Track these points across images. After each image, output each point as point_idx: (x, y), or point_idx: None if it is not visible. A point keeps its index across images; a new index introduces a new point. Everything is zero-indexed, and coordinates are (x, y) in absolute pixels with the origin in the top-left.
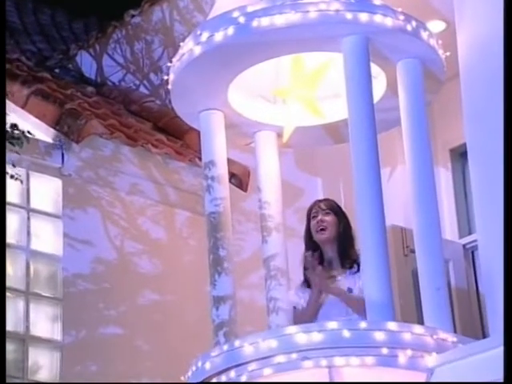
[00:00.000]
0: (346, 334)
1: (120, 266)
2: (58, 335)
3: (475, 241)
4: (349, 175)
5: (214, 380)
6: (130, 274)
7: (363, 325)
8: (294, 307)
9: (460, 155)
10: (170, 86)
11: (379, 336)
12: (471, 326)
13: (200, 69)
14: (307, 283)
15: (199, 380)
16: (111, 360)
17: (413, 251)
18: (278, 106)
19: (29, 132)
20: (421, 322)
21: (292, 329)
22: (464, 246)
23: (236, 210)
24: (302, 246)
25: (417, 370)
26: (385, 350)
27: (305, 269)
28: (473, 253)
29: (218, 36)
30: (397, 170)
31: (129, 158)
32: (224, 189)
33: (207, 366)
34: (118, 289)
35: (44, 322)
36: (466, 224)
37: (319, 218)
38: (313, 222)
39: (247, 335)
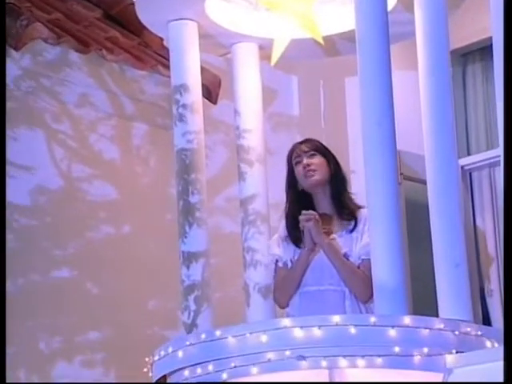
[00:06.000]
0: (352, 330)
1: (67, 194)
2: None
3: (474, 163)
4: (330, 72)
5: (187, 372)
6: (78, 203)
7: (373, 319)
8: (277, 261)
9: (461, 57)
10: None
11: (392, 333)
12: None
13: None
14: (292, 238)
15: (168, 370)
16: (60, 310)
17: (407, 178)
18: (261, 13)
19: None
20: (414, 251)
21: (287, 322)
22: (462, 167)
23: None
24: (278, 167)
25: (433, 370)
26: (397, 349)
27: (292, 226)
28: (471, 175)
29: None
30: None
31: (78, 65)
32: (198, 119)
33: (180, 354)
34: (66, 223)
35: None
36: (464, 143)
37: (304, 161)
38: (297, 169)
39: (228, 325)
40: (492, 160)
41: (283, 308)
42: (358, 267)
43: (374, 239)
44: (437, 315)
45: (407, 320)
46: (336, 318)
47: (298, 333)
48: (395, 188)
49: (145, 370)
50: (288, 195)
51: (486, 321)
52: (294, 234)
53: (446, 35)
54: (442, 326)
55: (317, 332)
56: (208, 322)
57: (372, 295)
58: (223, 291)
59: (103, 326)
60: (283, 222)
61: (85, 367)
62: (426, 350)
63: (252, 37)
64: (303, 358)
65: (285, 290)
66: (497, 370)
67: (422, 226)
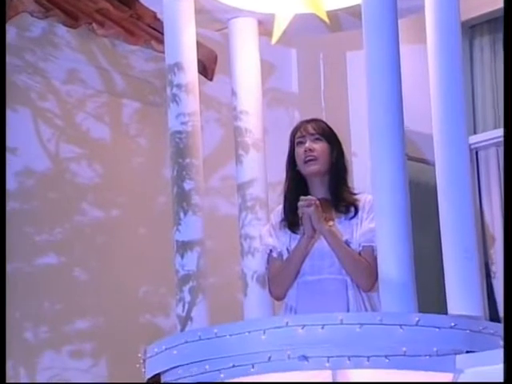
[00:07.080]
0: (358, 329)
1: (54, 176)
2: None
3: (480, 141)
4: (330, 46)
5: (180, 371)
6: (66, 186)
7: (378, 318)
8: (270, 251)
9: (468, 29)
10: None
11: (398, 332)
12: None
13: None
14: (288, 223)
15: (162, 368)
16: (46, 298)
17: (411, 159)
18: None
19: None
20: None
21: (288, 320)
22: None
23: None
24: (273, 145)
25: (443, 371)
26: (405, 349)
27: (289, 210)
28: (477, 154)
29: None
30: None
31: (65, 40)
32: (194, 101)
33: (175, 352)
34: (52, 206)
35: None
36: (470, 120)
37: (307, 145)
38: (298, 150)
39: (226, 322)
40: (499, 139)
41: (280, 300)
42: (359, 254)
43: (379, 230)
44: (442, 303)
45: (416, 318)
46: (340, 316)
47: (300, 332)
48: (403, 175)
49: (137, 365)
50: (287, 174)
51: (492, 302)
52: (291, 219)
53: (457, 8)
54: (452, 324)
55: (320, 331)
56: (203, 315)
57: (375, 283)
58: (218, 276)
59: (92, 314)
60: (276, 210)
61: (73, 357)
62: (435, 349)
63: (251, 11)
64: (305, 358)
65: (281, 281)
66: None
67: (425, 210)
